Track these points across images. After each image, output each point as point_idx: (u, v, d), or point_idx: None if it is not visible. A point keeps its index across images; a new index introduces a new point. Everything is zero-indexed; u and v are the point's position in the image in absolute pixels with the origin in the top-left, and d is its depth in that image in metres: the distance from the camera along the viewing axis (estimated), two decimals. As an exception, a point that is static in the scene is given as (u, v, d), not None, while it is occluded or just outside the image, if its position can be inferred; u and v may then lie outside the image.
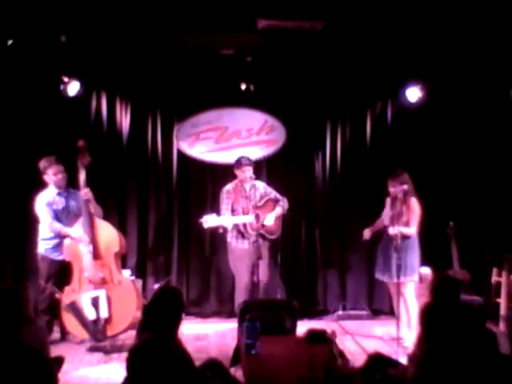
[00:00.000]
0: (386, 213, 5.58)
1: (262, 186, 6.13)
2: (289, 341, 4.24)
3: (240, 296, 5.87)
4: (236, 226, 5.90)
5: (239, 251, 5.93)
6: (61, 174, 5.46)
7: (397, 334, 5.17)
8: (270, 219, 5.93)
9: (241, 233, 5.90)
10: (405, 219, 5.36)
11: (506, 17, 5.18)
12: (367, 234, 5.65)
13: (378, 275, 5.65)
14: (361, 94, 6.72)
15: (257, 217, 5.83)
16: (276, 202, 6.07)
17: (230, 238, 5.97)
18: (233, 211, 5.92)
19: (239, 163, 5.98)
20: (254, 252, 5.83)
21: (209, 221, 5.71)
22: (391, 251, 5.35)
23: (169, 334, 3.08)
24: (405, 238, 5.31)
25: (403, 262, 5.24)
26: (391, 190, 5.47)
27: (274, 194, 6.12)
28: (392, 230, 5.31)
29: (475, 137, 6.59)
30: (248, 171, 5.94)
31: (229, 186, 6.02)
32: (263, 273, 5.88)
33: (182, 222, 6.69)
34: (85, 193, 5.27)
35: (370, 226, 5.69)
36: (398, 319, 5.32)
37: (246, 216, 5.88)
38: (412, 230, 5.37)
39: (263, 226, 5.86)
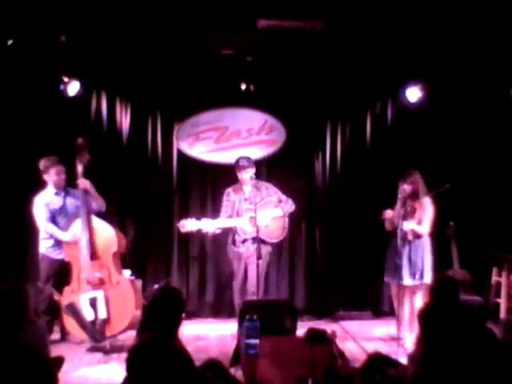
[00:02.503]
0: (397, 213, 5.43)
1: (264, 187, 5.95)
2: (289, 341, 4.24)
3: (236, 298, 5.85)
4: (232, 229, 5.84)
5: (234, 253, 5.90)
6: (62, 174, 5.46)
7: (397, 335, 5.15)
8: (264, 219, 5.76)
9: (237, 235, 5.82)
10: (417, 218, 5.29)
11: (505, 17, 5.18)
12: (389, 214, 5.39)
13: (387, 278, 5.48)
14: (361, 93, 6.72)
15: (251, 220, 5.71)
16: (278, 203, 5.91)
17: (229, 240, 5.92)
18: (231, 213, 5.86)
19: (237, 165, 5.87)
20: (251, 255, 5.74)
21: (187, 225, 5.67)
22: (401, 251, 5.22)
23: (169, 333, 3.08)
24: (417, 237, 5.27)
25: (414, 264, 5.20)
26: (402, 188, 5.34)
27: (277, 195, 5.95)
28: (406, 226, 5.22)
29: (475, 137, 6.59)
30: (245, 173, 5.79)
31: (230, 188, 5.96)
32: (251, 282, 5.76)
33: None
34: (82, 182, 5.24)
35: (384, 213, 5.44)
36: (399, 321, 5.27)
37: (237, 219, 5.79)
38: (424, 228, 5.29)
39: (257, 227, 5.65)
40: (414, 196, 5.31)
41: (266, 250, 5.80)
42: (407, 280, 5.25)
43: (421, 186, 5.34)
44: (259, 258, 5.54)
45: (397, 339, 5.14)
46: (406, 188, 5.30)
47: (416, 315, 5.12)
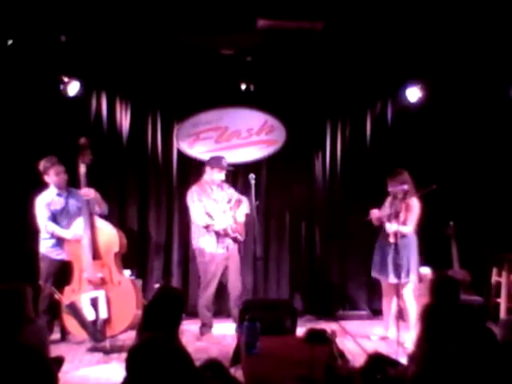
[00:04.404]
0: (385, 211, 5.57)
1: (226, 186, 5.99)
2: (289, 341, 4.25)
3: (205, 301, 5.82)
4: (203, 230, 5.77)
5: (218, 257, 5.77)
6: (62, 174, 5.46)
7: (397, 336, 5.13)
8: (241, 216, 5.86)
9: (218, 237, 5.76)
10: (402, 218, 5.35)
11: (505, 17, 5.17)
12: (374, 213, 5.51)
13: (375, 274, 5.65)
14: (361, 93, 6.72)
15: (233, 218, 5.80)
16: (239, 201, 5.94)
17: (204, 243, 5.76)
18: (207, 215, 5.76)
19: (218, 164, 5.81)
20: (228, 257, 5.81)
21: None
22: (387, 249, 5.39)
23: (169, 334, 3.08)
24: (401, 237, 5.31)
25: (399, 264, 5.24)
26: (390, 189, 5.49)
27: (237, 193, 6.02)
28: (389, 227, 5.30)
29: (475, 137, 6.59)
30: (222, 174, 5.83)
31: (196, 188, 5.83)
32: (234, 285, 5.84)
33: (182, 222, 6.69)
34: (85, 192, 5.26)
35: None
36: (393, 319, 5.44)
37: (226, 218, 5.79)
38: (408, 228, 5.35)
39: (236, 224, 5.81)
40: (405, 195, 5.36)
41: (235, 250, 5.90)
42: (392, 278, 5.37)
43: (410, 186, 5.41)
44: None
45: (396, 341, 5.14)
46: (405, 187, 5.33)
47: (410, 312, 5.27)
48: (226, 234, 5.77)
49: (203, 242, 5.78)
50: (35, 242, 5.61)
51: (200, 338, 5.72)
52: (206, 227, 5.70)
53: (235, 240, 5.87)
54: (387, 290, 5.57)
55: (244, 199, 5.96)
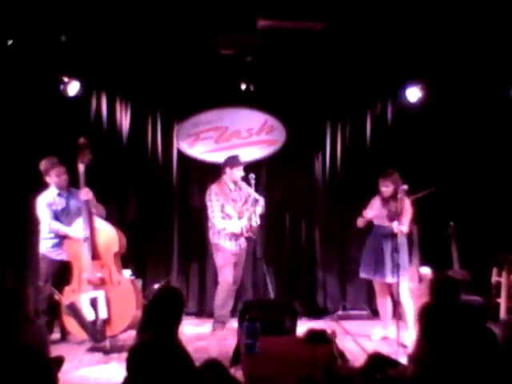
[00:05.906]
0: (377, 211, 5.57)
1: (244, 185, 6.10)
2: (289, 341, 4.25)
3: (222, 297, 5.91)
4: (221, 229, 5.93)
5: (230, 253, 5.93)
6: (63, 175, 5.46)
7: (397, 336, 5.14)
8: (257, 220, 5.97)
9: (234, 235, 5.91)
10: (401, 219, 5.38)
11: (505, 17, 5.18)
12: (361, 222, 5.58)
13: (367, 275, 5.64)
14: (361, 93, 6.72)
15: (249, 219, 5.93)
16: (256, 201, 6.03)
17: (218, 239, 5.94)
18: (225, 214, 5.90)
19: (237, 162, 5.97)
20: (240, 253, 5.97)
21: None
22: (384, 249, 5.41)
23: (169, 333, 3.08)
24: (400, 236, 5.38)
25: (397, 262, 5.24)
26: (383, 189, 5.53)
27: (253, 193, 6.05)
28: (396, 227, 5.31)
29: (475, 137, 6.59)
30: (241, 171, 5.98)
31: (215, 187, 5.96)
32: (237, 280, 6.02)
33: (182, 222, 6.70)
34: (84, 193, 5.25)
35: (361, 216, 5.65)
36: (385, 319, 5.59)
37: (242, 220, 5.93)
38: (405, 228, 5.40)
39: (251, 226, 5.94)
40: (395, 196, 5.40)
41: (247, 247, 6.11)
42: (389, 278, 5.40)
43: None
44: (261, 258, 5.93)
45: (396, 341, 5.14)
46: (405, 187, 5.34)
47: (407, 311, 5.27)
48: (241, 234, 5.91)
49: (217, 238, 5.94)
50: (35, 242, 5.61)
51: (200, 337, 5.73)
52: (223, 229, 5.87)
53: (248, 239, 6.02)
54: (381, 290, 5.62)
55: (261, 199, 6.06)
